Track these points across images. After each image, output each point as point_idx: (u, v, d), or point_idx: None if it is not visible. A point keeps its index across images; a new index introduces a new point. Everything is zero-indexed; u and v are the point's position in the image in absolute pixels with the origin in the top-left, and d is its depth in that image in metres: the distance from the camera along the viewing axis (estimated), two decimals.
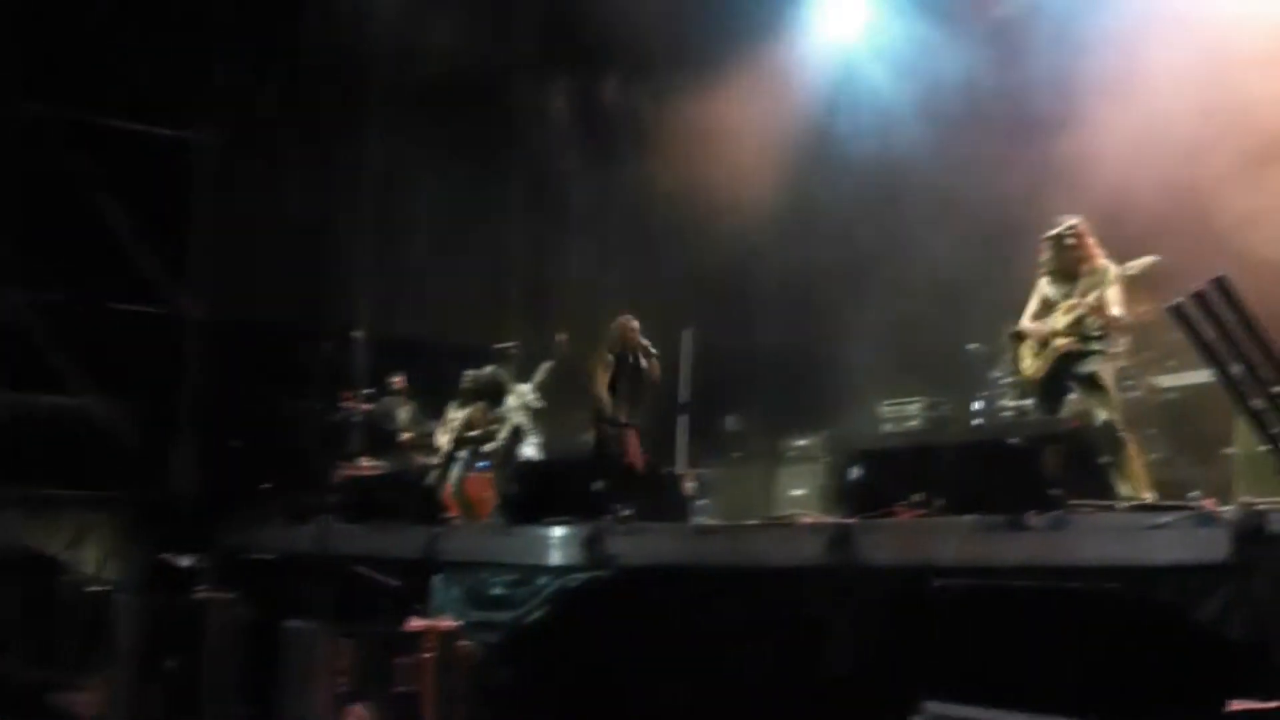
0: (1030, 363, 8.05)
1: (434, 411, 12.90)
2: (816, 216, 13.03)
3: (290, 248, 14.46)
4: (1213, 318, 4.62)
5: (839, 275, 12.57)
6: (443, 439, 12.14)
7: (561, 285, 15.86)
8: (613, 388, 10.24)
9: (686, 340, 10.65)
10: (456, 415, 12.09)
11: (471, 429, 11.81)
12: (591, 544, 6.49)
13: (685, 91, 13.93)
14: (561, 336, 12.02)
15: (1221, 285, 4.67)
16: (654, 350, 10.35)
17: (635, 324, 10.45)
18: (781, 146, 13.34)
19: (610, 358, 10.29)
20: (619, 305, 14.47)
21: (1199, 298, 4.62)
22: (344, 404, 13.53)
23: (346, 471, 12.44)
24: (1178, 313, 4.78)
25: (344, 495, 10.19)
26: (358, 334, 14.51)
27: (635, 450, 9.92)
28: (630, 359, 10.30)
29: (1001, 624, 3.07)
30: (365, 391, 13.78)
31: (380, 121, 15.27)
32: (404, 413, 13.47)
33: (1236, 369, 4.71)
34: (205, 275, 13.84)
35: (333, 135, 15.02)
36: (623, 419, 10.05)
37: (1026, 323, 8.08)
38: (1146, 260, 7.54)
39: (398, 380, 13.63)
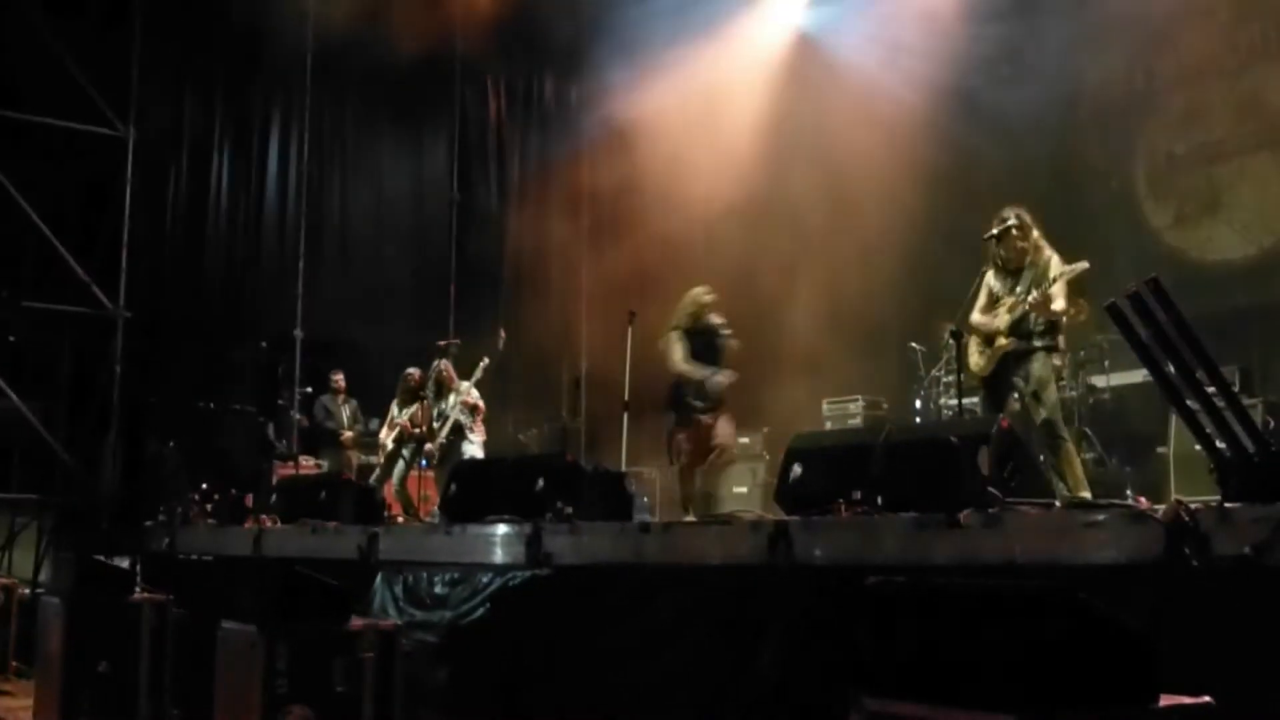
0: (977, 360, 8.12)
1: (374, 410, 12.89)
2: (764, 207, 13.11)
3: (222, 244, 14.37)
4: (1147, 317, 4.71)
5: (784, 269, 12.66)
6: (387, 437, 12.11)
7: (499, 278, 15.85)
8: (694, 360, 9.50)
9: (628, 337, 10.66)
10: (400, 413, 12.06)
11: (414, 427, 11.79)
12: (533, 542, 6.51)
13: (631, 83, 13.98)
14: (500, 331, 12.03)
15: (1154, 286, 4.76)
16: (729, 329, 9.61)
17: (709, 297, 9.77)
18: (725, 136, 13.41)
19: (679, 332, 9.60)
20: (562, 299, 14.52)
21: (1133, 298, 4.71)
22: (281, 402, 13.48)
23: (285, 471, 12.39)
24: (1113, 312, 4.87)
25: (282, 495, 10.14)
26: (296, 331, 14.43)
27: (729, 434, 9.50)
28: (704, 335, 9.61)
29: (936, 621, 3.13)
30: (304, 390, 13.73)
31: (312, 112, 15.17)
32: (344, 411, 13.45)
33: (1170, 369, 4.80)
34: (134, 273, 13.68)
35: (264, 129, 14.93)
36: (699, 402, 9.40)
37: (976, 317, 8.14)
38: (1079, 266, 7.66)
39: (337, 378, 13.59)
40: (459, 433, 11.57)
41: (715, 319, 9.64)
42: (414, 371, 12.18)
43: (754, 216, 13.30)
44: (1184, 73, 11.15)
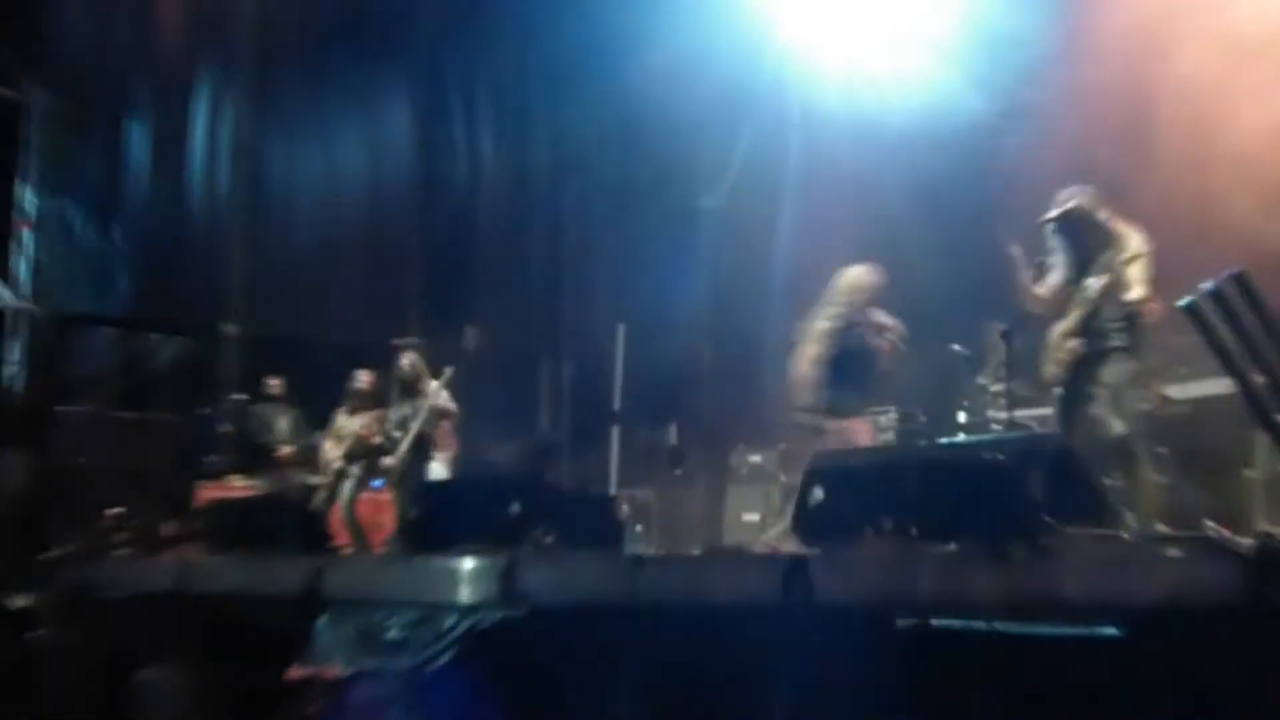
0: (1050, 367, 8.03)
1: (319, 421, 12.85)
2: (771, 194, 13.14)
3: (140, 224, 14.33)
4: (1231, 318, 4.75)
5: (802, 260, 12.67)
6: (332, 452, 12.07)
7: (469, 273, 15.81)
8: (833, 364, 9.07)
9: (619, 337, 10.71)
10: (348, 424, 12.02)
11: (366, 440, 11.73)
12: (507, 577, 6.53)
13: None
14: (471, 330, 11.94)
15: (1240, 281, 4.80)
16: (891, 322, 9.13)
17: (873, 279, 9.24)
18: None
19: (826, 325, 9.16)
20: (536, 294, 14.57)
21: (1215, 295, 4.74)
22: (207, 411, 13.47)
23: (212, 492, 12.38)
24: (1191, 312, 4.91)
25: (210, 520, 10.15)
26: (227, 327, 14.43)
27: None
28: (856, 329, 9.18)
29: (979, 670, 3.17)
30: (235, 397, 13.71)
31: (247, 69, 15.15)
32: (282, 422, 13.41)
33: (1257, 378, 4.84)
34: (36, 259, 13.68)
35: (189, 89, 14.88)
36: (828, 409, 9.04)
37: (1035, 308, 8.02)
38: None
39: (274, 383, 13.55)
40: (422, 447, 11.42)
41: (875, 314, 9.25)
42: (365, 374, 12.15)
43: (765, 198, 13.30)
44: None
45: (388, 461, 11.33)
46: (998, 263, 8.12)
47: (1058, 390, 8.04)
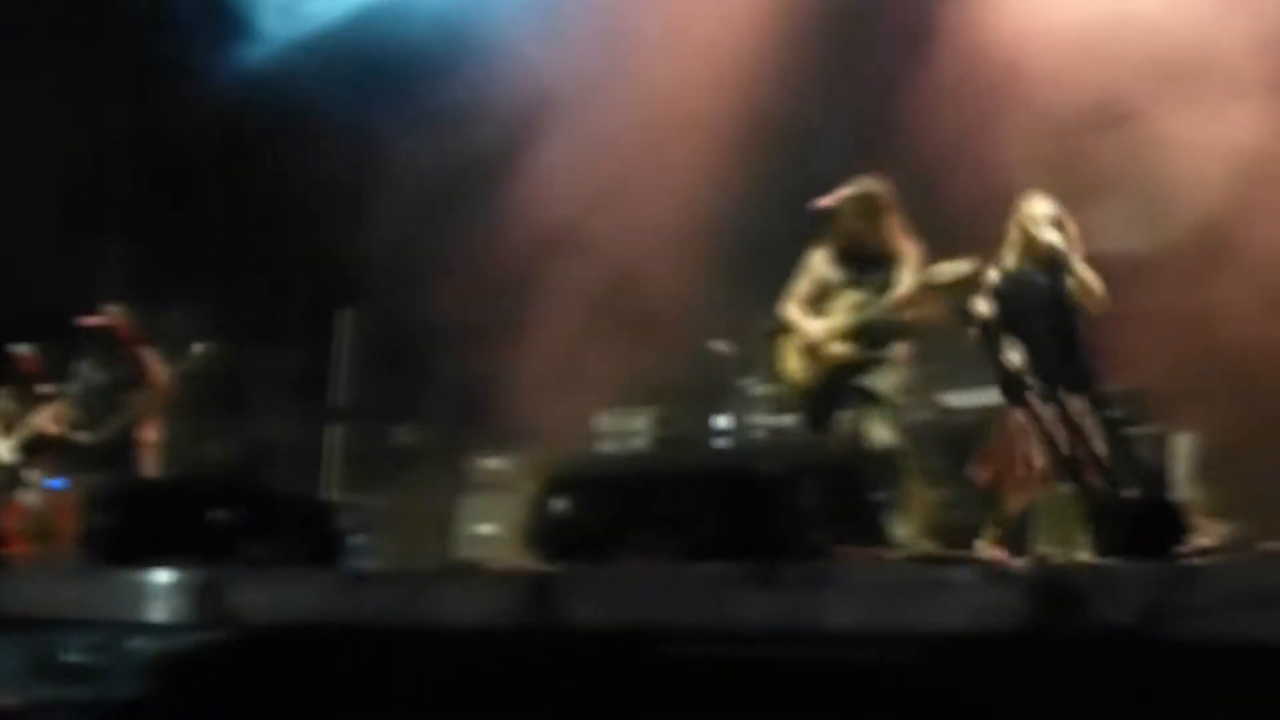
0: (797, 364, 8.18)
1: None
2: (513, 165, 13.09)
3: None
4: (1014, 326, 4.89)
5: (545, 247, 12.67)
6: (1, 446, 11.70)
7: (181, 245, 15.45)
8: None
9: (343, 324, 10.57)
10: (11, 408, 11.64)
11: (45, 432, 11.35)
12: (208, 594, 6.40)
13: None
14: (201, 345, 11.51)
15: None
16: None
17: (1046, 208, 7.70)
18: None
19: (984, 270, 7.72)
20: (255, 272, 14.33)
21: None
22: None
23: None
24: (970, 317, 5.05)
25: None
26: None
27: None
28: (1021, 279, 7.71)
29: (742, 702, 3.21)
30: None
31: None
32: None
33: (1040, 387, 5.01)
34: None
35: None
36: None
37: (795, 311, 8.18)
38: (961, 267, 7.68)
39: None
40: (126, 441, 10.95)
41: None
42: (25, 350, 11.70)
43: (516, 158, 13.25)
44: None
45: (86, 437, 10.85)
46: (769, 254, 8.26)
47: (808, 394, 8.23)
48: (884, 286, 7.90)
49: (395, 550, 11.76)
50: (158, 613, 6.65)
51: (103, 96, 15.48)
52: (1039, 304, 7.05)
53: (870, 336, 7.93)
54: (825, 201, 8.01)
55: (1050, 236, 7.23)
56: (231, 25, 15.24)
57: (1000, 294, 7.19)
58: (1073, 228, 7.41)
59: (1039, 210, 7.43)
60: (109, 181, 15.43)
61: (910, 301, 7.75)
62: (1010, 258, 7.47)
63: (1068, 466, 4.78)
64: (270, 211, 14.79)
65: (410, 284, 13.72)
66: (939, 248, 7.97)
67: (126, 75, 15.65)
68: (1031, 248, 7.37)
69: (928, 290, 7.70)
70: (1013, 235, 7.53)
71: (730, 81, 11.16)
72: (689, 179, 11.41)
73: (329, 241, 13.71)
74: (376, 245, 13.13)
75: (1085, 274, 7.25)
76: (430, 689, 5.48)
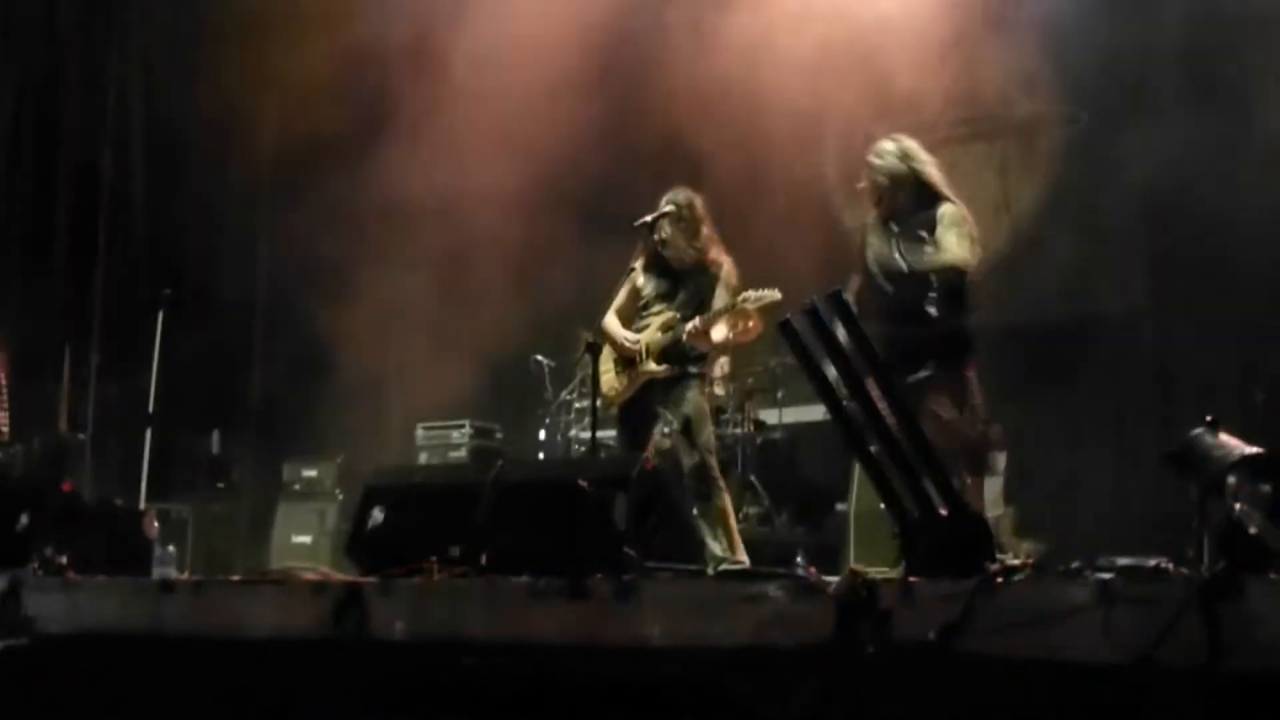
0: (612, 382, 8.23)
1: None
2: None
3: None
4: (827, 339, 4.94)
5: (365, 236, 12.51)
6: None
7: None
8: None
9: (157, 325, 10.35)
10: None
11: None
12: (7, 602, 6.26)
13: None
14: None
15: (835, 301, 5.00)
16: None
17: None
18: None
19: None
20: (61, 268, 13.95)
21: (811, 314, 4.92)
22: None
23: None
24: (786, 331, 5.09)
25: None
26: None
27: None
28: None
29: (546, 717, 3.21)
30: None
31: None
32: None
33: (851, 404, 5.06)
34: None
35: None
36: None
37: (612, 322, 8.25)
38: (768, 296, 7.78)
39: None
40: None
41: None
42: None
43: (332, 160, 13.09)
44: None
45: None
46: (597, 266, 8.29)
47: (623, 408, 8.30)
48: (698, 301, 8.00)
49: (206, 559, 11.59)
50: None
51: None
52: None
53: (681, 353, 7.99)
54: (646, 219, 8.07)
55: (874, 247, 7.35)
56: None
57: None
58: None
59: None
60: None
61: (714, 327, 7.85)
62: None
63: (880, 484, 4.83)
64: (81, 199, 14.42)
65: (229, 282, 13.56)
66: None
67: None
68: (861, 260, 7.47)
69: (738, 313, 7.79)
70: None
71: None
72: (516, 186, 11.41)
73: (143, 235, 13.47)
74: (193, 244, 12.94)
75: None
76: (234, 701, 5.40)
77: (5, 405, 10.78)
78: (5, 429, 10.79)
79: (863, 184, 7.51)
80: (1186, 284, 9.77)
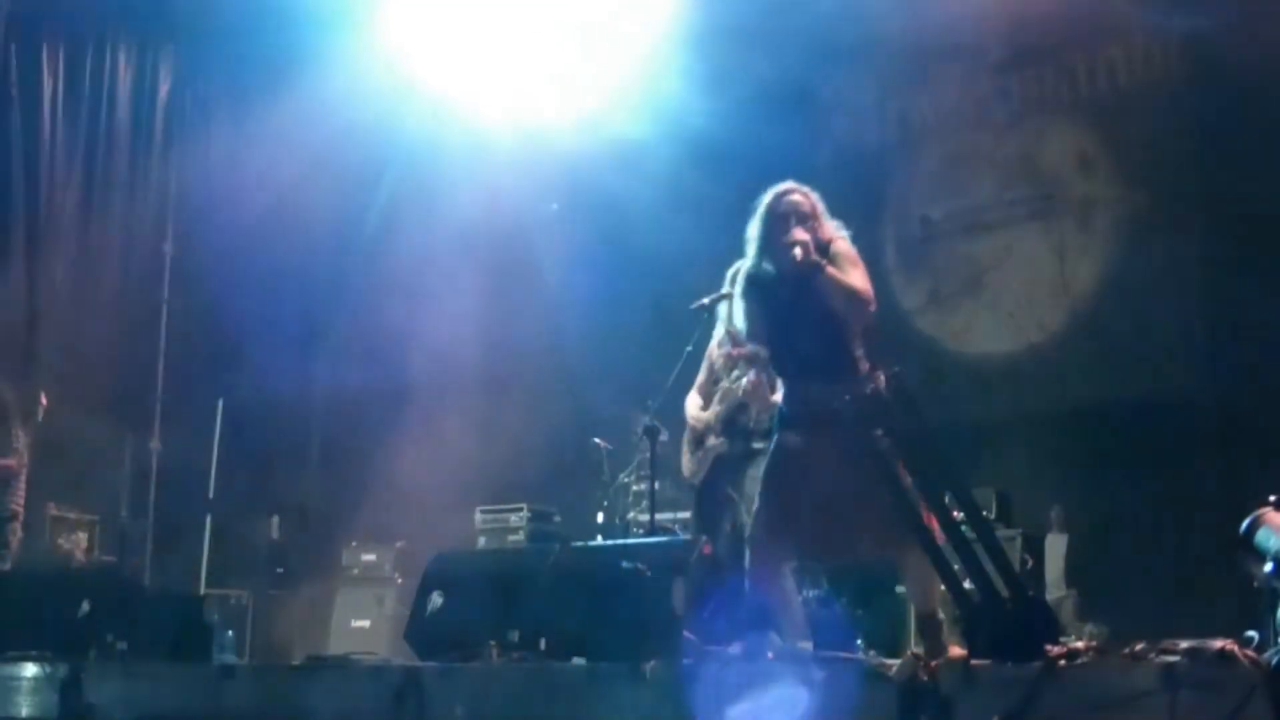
0: (688, 462, 8.14)
1: None
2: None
3: None
4: (885, 423, 4.94)
5: (431, 336, 12.63)
6: None
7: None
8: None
9: (217, 414, 10.46)
10: None
11: None
12: (71, 688, 6.28)
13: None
14: (40, 395, 11.31)
15: (896, 382, 5.01)
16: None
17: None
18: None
19: None
20: (129, 353, 14.04)
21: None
22: None
23: None
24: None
25: None
26: None
27: None
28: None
29: None
30: None
31: None
32: None
33: (911, 488, 5.06)
34: None
35: None
36: None
37: (693, 402, 8.10)
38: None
39: None
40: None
41: None
42: None
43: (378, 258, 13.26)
44: (944, 121, 11.74)
45: None
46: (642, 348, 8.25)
47: (696, 488, 8.20)
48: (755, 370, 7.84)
49: (265, 644, 11.60)
50: (18, 707, 6.52)
51: None
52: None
53: (743, 427, 7.90)
54: (703, 301, 7.95)
55: None
56: None
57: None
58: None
59: None
60: None
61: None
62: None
63: (941, 566, 4.81)
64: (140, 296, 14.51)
65: (285, 371, 13.62)
66: None
67: None
68: None
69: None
70: None
71: None
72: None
73: (200, 326, 13.55)
74: (251, 330, 13.03)
75: None
76: None
77: (23, 486, 10.68)
78: (20, 508, 10.67)
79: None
80: (1248, 360, 9.69)
